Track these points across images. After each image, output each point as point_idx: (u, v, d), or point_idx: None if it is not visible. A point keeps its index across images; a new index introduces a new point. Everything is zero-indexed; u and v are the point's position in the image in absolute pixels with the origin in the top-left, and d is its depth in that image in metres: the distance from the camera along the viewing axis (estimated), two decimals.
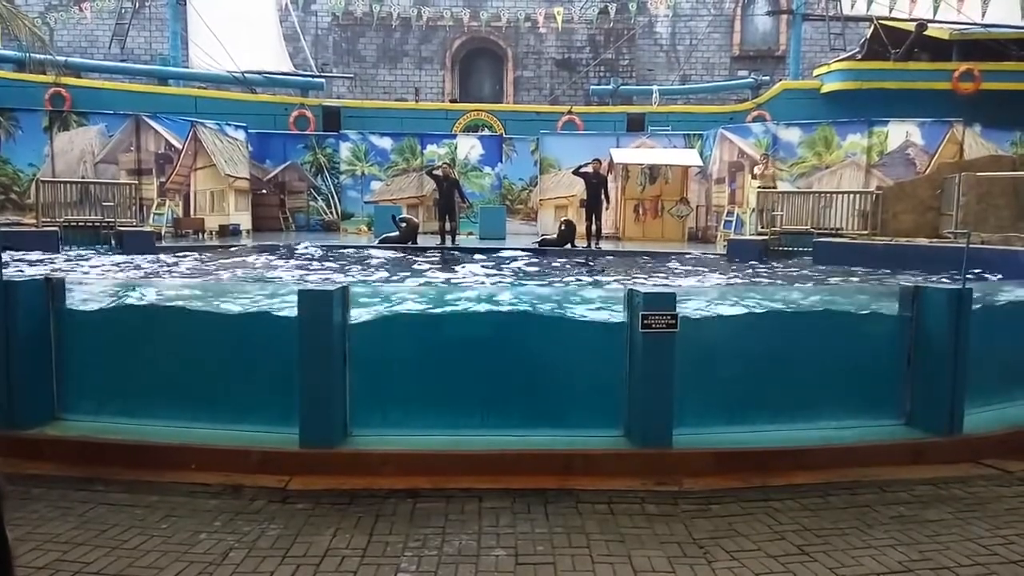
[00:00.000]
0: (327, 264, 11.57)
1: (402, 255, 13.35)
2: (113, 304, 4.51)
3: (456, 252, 13.95)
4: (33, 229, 12.83)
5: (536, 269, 11.50)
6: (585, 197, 15.82)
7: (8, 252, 10.25)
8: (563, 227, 15.09)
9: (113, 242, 12.70)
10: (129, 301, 4.60)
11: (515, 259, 12.59)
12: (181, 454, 3.87)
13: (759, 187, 15.24)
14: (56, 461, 3.87)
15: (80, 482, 3.65)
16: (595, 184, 15.15)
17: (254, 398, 4.19)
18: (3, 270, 4.09)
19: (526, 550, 3.01)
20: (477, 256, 12.75)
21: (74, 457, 3.90)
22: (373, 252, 13.49)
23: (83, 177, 15.34)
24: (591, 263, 13.07)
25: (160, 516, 3.29)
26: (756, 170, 15.86)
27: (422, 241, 15.36)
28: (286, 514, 3.34)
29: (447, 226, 15.37)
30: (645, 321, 3.86)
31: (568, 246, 14.69)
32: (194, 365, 4.28)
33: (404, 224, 15.07)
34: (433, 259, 12.96)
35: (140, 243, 12.62)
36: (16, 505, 3.36)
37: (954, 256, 8.83)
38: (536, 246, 14.69)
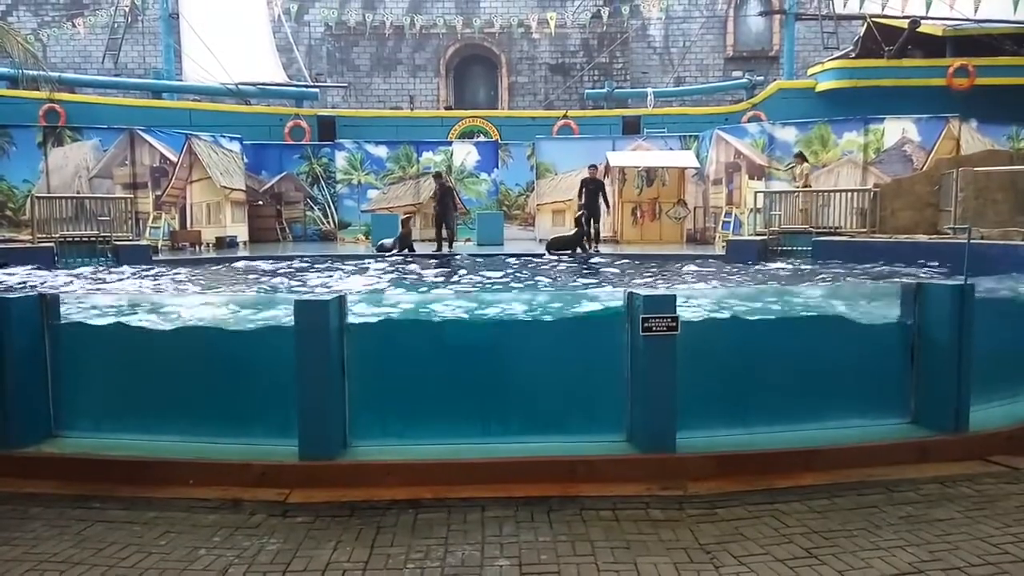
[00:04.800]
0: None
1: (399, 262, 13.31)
2: (108, 320, 4.47)
3: (454, 258, 13.92)
4: (29, 245, 12.79)
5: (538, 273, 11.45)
6: (583, 202, 15.80)
7: (4, 269, 10.26)
8: (576, 225, 14.93)
9: (109, 256, 12.67)
10: (124, 316, 4.55)
11: (515, 263, 12.55)
12: (180, 469, 3.83)
13: (801, 186, 14.98)
14: (53, 479, 3.82)
15: (77, 500, 3.60)
16: (593, 189, 15.19)
17: (253, 411, 4.14)
18: None
19: (530, 559, 2.97)
20: (477, 261, 12.71)
21: (71, 475, 3.85)
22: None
23: (78, 192, 15.30)
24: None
25: (159, 533, 3.24)
26: (797, 171, 15.65)
27: (420, 249, 15.33)
28: (286, 528, 3.29)
29: (444, 233, 15.36)
30: (645, 324, 3.83)
31: (577, 250, 14.58)
32: (192, 379, 4.23)
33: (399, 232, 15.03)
34: (430, 267, 12.92)
35: (136, 257, 12.59)
36: (13, 525, 3.32)
37: (954, 252, 8.79)
38: (547, 251, 14.55)
